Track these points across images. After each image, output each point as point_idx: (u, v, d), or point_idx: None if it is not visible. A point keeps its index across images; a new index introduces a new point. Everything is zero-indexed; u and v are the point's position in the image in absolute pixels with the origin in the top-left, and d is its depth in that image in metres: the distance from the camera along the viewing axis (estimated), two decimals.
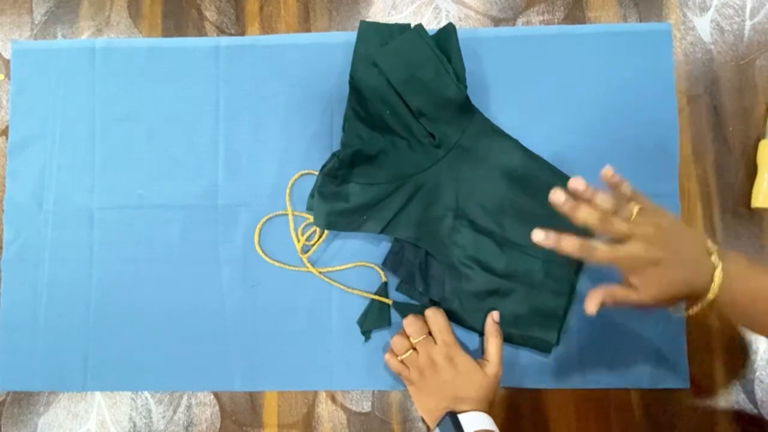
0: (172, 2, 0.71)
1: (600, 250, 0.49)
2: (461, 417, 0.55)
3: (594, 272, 0.63)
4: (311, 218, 0.65)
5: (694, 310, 0.51)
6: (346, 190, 0.63)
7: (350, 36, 0.64)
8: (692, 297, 0.50)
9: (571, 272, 0.62)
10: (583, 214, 0.50)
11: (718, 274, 0.49)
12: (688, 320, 0.62)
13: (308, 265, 0.65)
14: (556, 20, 0.68)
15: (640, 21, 0.67)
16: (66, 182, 0.68)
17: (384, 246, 0.65)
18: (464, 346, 0.62)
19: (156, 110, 0.68)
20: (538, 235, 0.50)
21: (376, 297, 0.64)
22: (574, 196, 0.51)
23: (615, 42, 0.66)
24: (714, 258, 0.49)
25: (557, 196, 0.50)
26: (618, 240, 0.50)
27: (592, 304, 0.51)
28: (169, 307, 0.66)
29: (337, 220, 0.62)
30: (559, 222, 0.63)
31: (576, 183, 0.51)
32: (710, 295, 0.49)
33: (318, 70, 0.67)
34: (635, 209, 0.50)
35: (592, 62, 0.66)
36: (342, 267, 0.65)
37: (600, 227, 0.49)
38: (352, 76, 0.62)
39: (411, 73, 0.61)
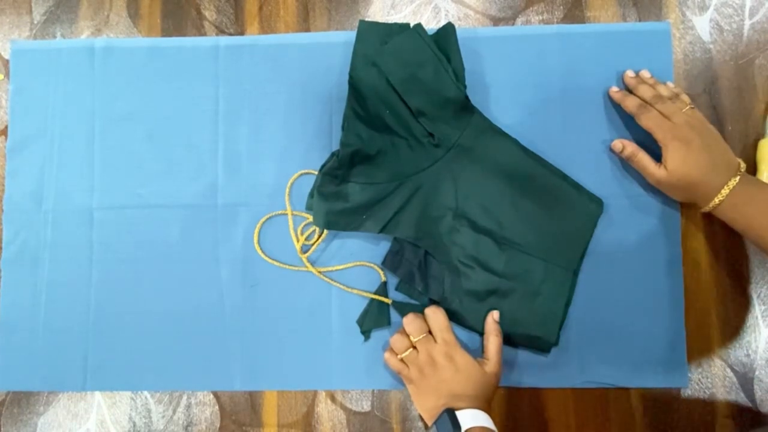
0: (171, 2, 0.71)
1: (653, 113, 0.59)
2: (459, 414, 0.55)
3: (593, 273, 0.63)
4: (311, 218, 0.65)
5: (710, 206, 0.58)
6: (345, 189, 0.63)
7: (350, 36, 0.64)
8: (702, 195, 0.58)
9: (570, 272, 0.62)
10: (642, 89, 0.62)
11: (733, 182, 0.56)
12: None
13: (308, 264, 0.65)
14: (555, 20, 0.68)
15: (639, 20, 0.67)
16: (66, 182, 0.68)
17: (383, 246, 0.65)
18: (464, 346, 0.62)
19: (156, 110, 0.68)
20: (613, 91, 0.64)
21: (376, 296, 0.64)
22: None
23: (614, 41, 0.66)
24: (736, 169, 0.57)
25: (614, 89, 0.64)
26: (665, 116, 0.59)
27: (618, 143, 0.62)
28: (169, 307, 0.66)
29: (337, 219, 0.62)
30: (559, 222, 0.63)
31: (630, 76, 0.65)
32: (724, 191, 0.56)
33: (317, 70, 0.67)
34: (689, 106, 0.60)
35: (592, 62, 0.66)
36: (341, 267, 0.65)
37: (652, 101, 0.60)
38: (351, 76, 0.62)
39: (410, 73, 0.61)
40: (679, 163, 0.58)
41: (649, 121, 0.59)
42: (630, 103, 0.61)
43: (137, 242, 0.67)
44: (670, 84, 0.64)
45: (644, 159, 0.60)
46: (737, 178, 0.57)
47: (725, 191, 0.57)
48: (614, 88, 0.64)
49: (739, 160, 0.59)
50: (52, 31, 0.71)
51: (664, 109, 0.59)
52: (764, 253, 0.58)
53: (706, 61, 0.67)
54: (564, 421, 0.63)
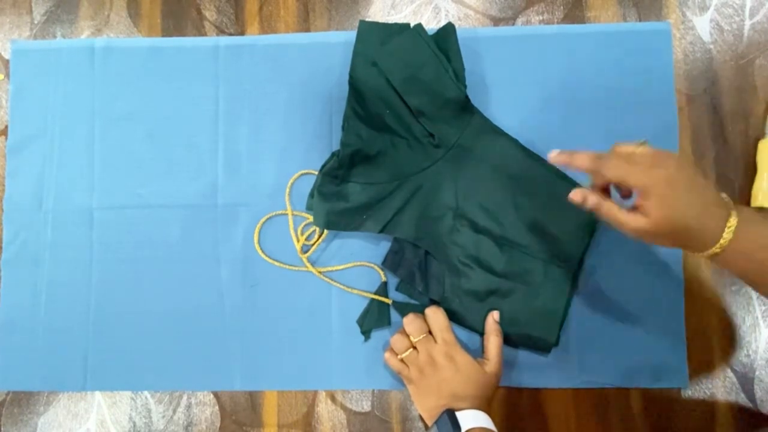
0: (171, 2, 0.70)
1: (613, 163, 0.49)
2: (459, 414, 0.55)
3: (594, 273, 0.63)
4: (311, 218, 0.65)
5: (706, 254, 0.48)
6: (345, 189, 0.63)
7: (350, 36, 0.64)
8: (698, 240, 0.48)
9: (570, 272, 0.62)
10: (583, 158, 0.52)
11: (733, 220, 0.47)
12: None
13: (308, 264, 0.65)
14: (555, 20, 0.68)
15: (640, 20, 0.67)
16: (66, 182, 0.68)
17: (384, 246, 0.65)
18: (464, 346, 0.62)
19: (156, 110, 0.68)
20: (554, 155, 0.53)
21: (376, 296, 0.64)
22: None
23: (614, 41, 0.66)
24: (728, 204, 0.48)
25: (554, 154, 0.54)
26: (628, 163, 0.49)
27: (578, 193, 0.52)
28: (169, 307, 0.66)
29: (337, 219, 0.62)
30: (559, 222, 0.63)
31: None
32: (726, 235, 0.46)
33: (317, 70, 0.67)
34: (645, 147, 0.50)
35: (592, 62, 0.66)
36: (342, 267, 0.65)
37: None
38: (351, 76, 0.62)
39: (410, 73, 0.61)
40: (668, 207, 0.47)
41: (615, 169, 0.49)
42: (581, 160, 0.51)
43: (137, 242, 0.67)
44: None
45: (613, 208, 0.50)
46: (734, 214, 0.47)
47: (728, 235, 0.47)
48: (555, 151, 0.54)
49: (722, 194, 0.50)
50: (52, 31, 0.71)
51: (621, 152, 0.50)
52: None
53: (706, 61, 0.67)
54: (564, 421, 0.63)
